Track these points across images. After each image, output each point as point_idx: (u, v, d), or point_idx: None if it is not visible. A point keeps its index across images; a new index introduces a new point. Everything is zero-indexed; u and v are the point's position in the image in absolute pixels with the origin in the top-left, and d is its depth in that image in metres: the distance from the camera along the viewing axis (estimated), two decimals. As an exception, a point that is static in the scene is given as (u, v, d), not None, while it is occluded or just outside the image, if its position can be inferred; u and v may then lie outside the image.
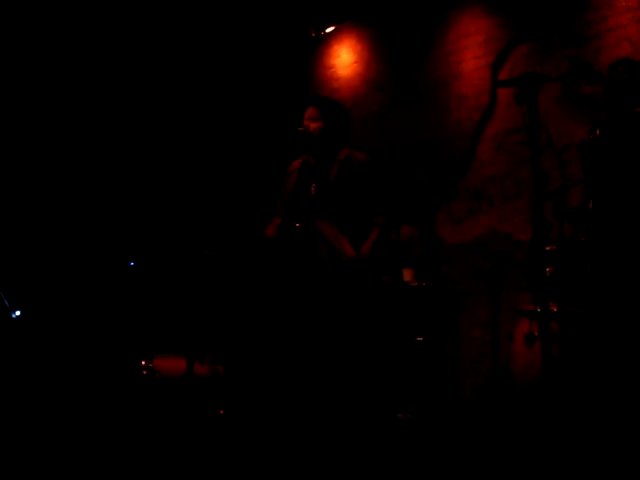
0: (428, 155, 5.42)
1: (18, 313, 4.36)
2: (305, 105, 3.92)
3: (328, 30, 5.89)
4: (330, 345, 3.70)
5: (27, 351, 4.39)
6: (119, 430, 3.84)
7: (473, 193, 5.13)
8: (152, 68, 5.93)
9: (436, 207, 5.35)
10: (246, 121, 6.08)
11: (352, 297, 3.72)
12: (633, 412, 3.20)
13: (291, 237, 3.87)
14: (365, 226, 3.80)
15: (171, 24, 5.89)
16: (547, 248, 3.73)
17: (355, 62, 6.04)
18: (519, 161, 4.80)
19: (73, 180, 5.50)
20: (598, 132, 3.57)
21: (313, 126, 3.84)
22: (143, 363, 4.44)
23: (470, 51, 5.21)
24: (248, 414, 4.12)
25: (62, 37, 5.40)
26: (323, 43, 6.21)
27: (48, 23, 5.35)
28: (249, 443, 3.73)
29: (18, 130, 5.33)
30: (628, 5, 4.35)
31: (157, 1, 5.77)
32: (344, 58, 6.11)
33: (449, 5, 5.34)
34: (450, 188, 5.26)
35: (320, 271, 3.77)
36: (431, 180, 5.36)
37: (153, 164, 5.85)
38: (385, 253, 4.37)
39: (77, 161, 5.54)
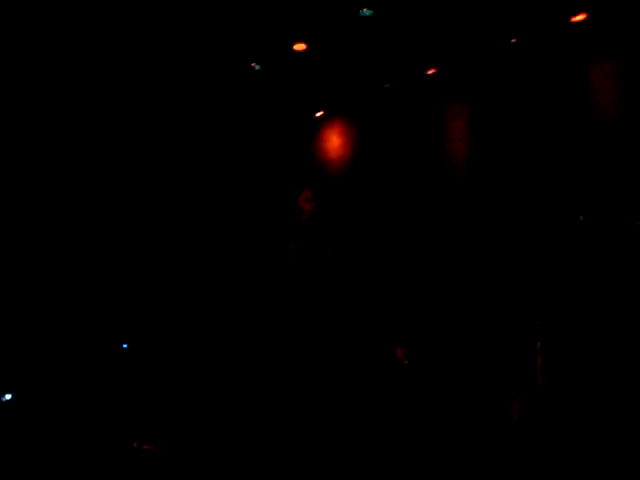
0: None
1: (8, 397, 4.32)
2: (302, 186, 4.08)
3: (317, 114, 6.12)
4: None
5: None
6: None
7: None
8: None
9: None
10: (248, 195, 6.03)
11: None
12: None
13: None
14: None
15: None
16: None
17: (342, 145, 6.26)
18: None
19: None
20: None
21: (306, 207, 3.99)
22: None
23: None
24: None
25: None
26: (320, 127, 6.42)
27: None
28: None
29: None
30: None
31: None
32: (333, 141, 6.34)
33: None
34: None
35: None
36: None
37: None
38: None
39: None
